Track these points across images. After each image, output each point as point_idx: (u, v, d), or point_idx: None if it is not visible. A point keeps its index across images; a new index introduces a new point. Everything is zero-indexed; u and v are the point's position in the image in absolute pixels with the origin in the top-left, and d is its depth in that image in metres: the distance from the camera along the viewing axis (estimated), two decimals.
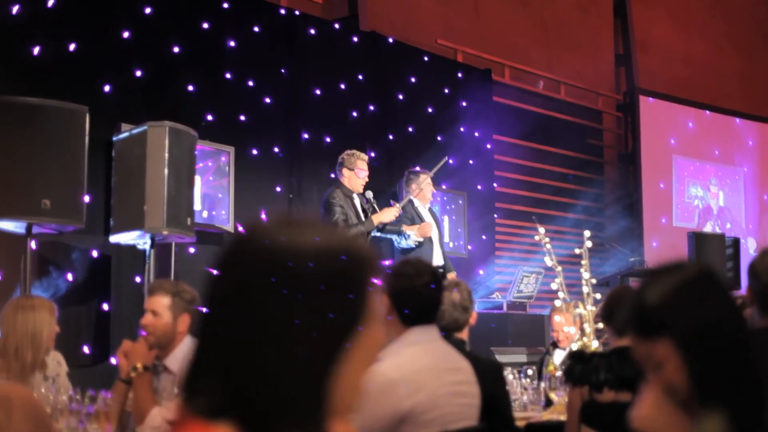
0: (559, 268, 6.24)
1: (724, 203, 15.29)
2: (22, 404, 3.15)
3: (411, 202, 8.77)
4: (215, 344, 1.30)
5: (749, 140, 15.70)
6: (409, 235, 8.40)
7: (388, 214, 8.12)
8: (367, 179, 8.25)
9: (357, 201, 8.13)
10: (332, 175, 9.16)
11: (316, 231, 1.32)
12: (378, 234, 8.40)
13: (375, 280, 1.35)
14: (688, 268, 1.74)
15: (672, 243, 13.71)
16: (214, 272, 1.34)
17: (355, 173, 8.13)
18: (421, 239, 8.40)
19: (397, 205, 8.31)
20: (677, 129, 14.55)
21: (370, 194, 8.27)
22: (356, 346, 1.33)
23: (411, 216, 8.65)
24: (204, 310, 1.34)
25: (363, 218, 8.04)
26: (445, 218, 10.08)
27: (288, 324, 1.26)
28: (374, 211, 8.15)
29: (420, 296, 3.43)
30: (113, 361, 6.61)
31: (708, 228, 14.86)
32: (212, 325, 1.32)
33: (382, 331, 1.38)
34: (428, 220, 8.73)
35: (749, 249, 14.41)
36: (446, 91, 11.17)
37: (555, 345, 6.68)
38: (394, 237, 8.56)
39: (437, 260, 8.59)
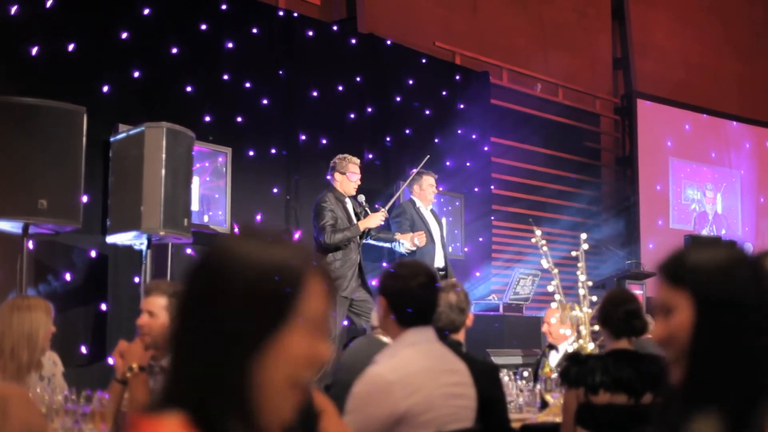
0: (556, 271, 6.25)
1: (721, 209, 15.29)
2: (19, 405, 3.15)
3: (413, 203, 8.75)
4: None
5: (746, 143, 15.71)
6: (402, 243, 8.36)
7: (374, 220, 8.08)
8: (359, 182, 8.22)
9: (349, 205, 8.11)
10: (328, 177, 9.18)
11: (259, 246, 1.49)
12: (371, 242, 8.38)
13: (310, 292, 1.48)
14: (741, 250, 1.83)
15: (669, 245, 13.71)
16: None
17: (347, 177, 8.10)
18: (414, 248, 8.34)
19: (383, 209, 8.26)
20: (674, 131, 14.57)
21: (362, 198, 8.25)
22: (275, 351, 1.44)
23: (411, 218, 8.62)
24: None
25: (355, 222, 8.01)
26: (443, 220, 10.09)
27: (213, 327, 1.43)
28: (366, 215, 8.13)
29: (416, 297, 3.43)
30: (110, 361, 6.61)
31: (704, 233, 14.88)
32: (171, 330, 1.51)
33: (312, 342, 1.48)
34: (430, 221, 8.71)
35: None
36: (444, 93, 11.18)
37: (551, 347, 6.68)
38: (388, 245, 8.55)
39: (439, 262, 8.57)
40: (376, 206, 8.36)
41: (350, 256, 7.88)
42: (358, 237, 7.99)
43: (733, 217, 15.53)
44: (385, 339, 5.41)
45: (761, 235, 15.74)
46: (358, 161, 8.22)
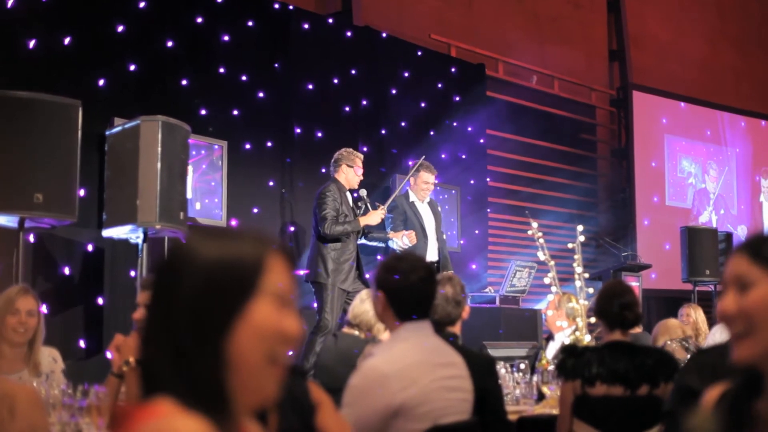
0: (552, 263, 6.25)
1: (721, 189, 15.27)
2: (26, 403, 3.16)
3: (407, 197, 8.74)
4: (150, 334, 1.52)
5: (741, 121, 15.72)
6: (395, 241, 8.36)
7: (375, 217, 8.07)
8: (362, 177, 8.26)
9: (350, 198, 8.12)
10: (323, 170, 9.18)
11: (219, 235, 1.56)
12: (364, 241, 8.38)
13: (271, 268, 1.53)
14: None
15: (664, 222, 13.75)
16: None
17: (354, 170, 8.11)
18: (405, 246, 8.33)
19: (382, 207, 8.25)
20: (669, 110, 14.56)
21: (364, 192, 8.26)
22: (244, 328, 1.48)
23: (404, 213, 8.61)
24: None
25: (355, 216, 8.02)
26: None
27: (181, 313, 1.48)
28: (367, 210, 8.14)
29: (414, 291, 3.43)
30: (107, 355, 6.60)
31: (705, 216, 14.88)
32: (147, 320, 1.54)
33: (279, 316, 1.52)
34: (424, 215, 8.69)
35: (741, 238, 14.42)
36: (439, 85, 11.18)
37: (549, 339, 6.68)
38: (382, 244, 8.56)
39: (432, 256, 8.56)
40: (376, 204, 8.36)
41: (348, 247, 7.89)
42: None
43: (728, 195, 15.53)
44: (356, 333, 5.42)
45: (755, 215, 15.76)
46: (362, 156, 8.25)
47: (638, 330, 6.86)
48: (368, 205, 8.19)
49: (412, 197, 8.76)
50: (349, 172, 8.10)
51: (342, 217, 7.85)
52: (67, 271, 7.40)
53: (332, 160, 8.20)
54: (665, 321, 6.89)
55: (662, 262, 12.17)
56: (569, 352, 4.42)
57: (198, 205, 8.30)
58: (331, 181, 8.05)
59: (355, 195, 8.24)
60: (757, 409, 1.79)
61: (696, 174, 14.95)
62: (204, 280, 1.48)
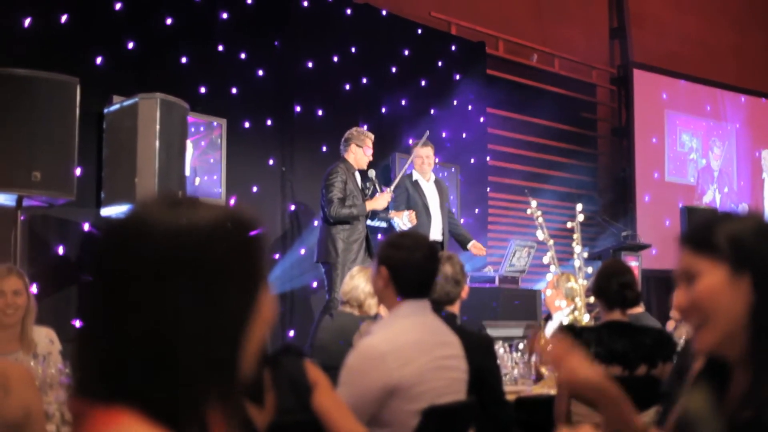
0: (551, 242, 6.25)
1: (722, 165, 15.22)
2: (20, 382, 3.15)
3: (410, 176, 8.72)
4: (113, 326, 1.29)
5: (741, 97, 15.67)
6: (396, 221, 8.35)
7: (382, 201, 8.08)
8: (371, 158, 8.26)
9: (359, 178, 8.12)
10: (324, 148, 9.17)
11: (202, 209, 1.34)
12: (368, 222, 8.37)
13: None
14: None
15: (665, 198, 13.73)
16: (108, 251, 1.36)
17: (363, 150, 8.13)
18: (406, 227, 8.31)
19: (388, 190, 8.25)
20: (669, 86, 14.51)
21: (373, 173, 8.26)
22: (257, 316, 1.34)
23: (406, 191, 8.59)
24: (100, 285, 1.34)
25: (363, 197, 8.02)
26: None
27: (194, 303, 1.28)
28: (375, 191, 8.14)
29: (417, 269, 3.43)
30: None
31: (709, 195, 14.86)
32: (108, 304, 1.31)
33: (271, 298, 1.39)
34: (428, 194, 8.66)
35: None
36: (440, 64, 11.14)
37: (548, 318, 6.68)
38: (384, 224, 8.56)
39: (435, 235, 8.54)
40: (383, 188, 8.36)
41: (357, 227, 7.91)
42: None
43: (728, 171, 15.50)
44: (350, 311, 5.42)
45: (757, 192, 15.73)
46: (372, 137, 8.24)
47: (639, 310, 6.86)
48: (377, 186, 8.19)
49: (416, 176, 8.74)
50: (359, 152, 8.11)
51: (350, 198, 7.84)
52: (64, 249, 7.38)
53: (342, 139, 8.22)
54: None
55: (663, 239, 12.14)
56: (567, 331, 4.42)
57: (197, 182, 8.28)
58: (340, 161, 8.05)
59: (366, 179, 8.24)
60: (727, 395, 1.80)
61: (697, 149, 14.88)
62: (236, 267, 1.32)
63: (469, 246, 8.86)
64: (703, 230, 1.86)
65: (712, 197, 14.94)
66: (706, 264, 1.81)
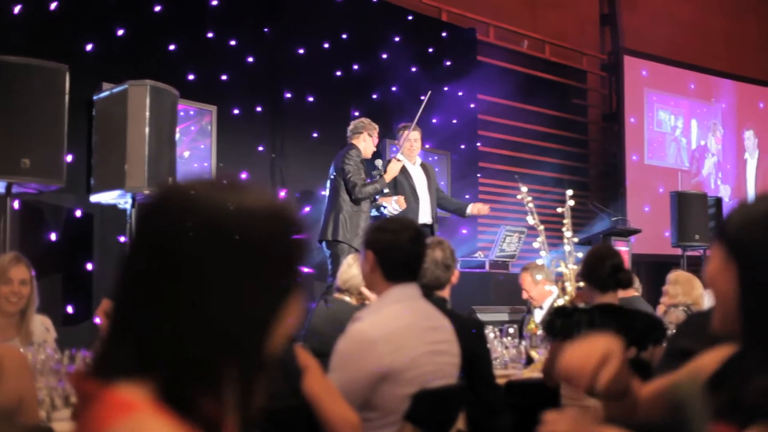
0: (541, 227, 6.27)
1: (695, 144, 15.19)
2: (12, 366, 3.14)
3: (393, 158, 8.73)
4: (137, 304, 1.29)
5: (730, 81, 15.70)
6: (385, 206, 8.36)
7: (395, 168, 8.26)
8: (376, 149, 8.38)
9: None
10: (314, 135, 9.18)
11: (253, 195, 1.34)
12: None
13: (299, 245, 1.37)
14: None
15: (643, 181, 13.76)
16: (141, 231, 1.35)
17: (372, 141, 8.27)
18: (395, 212, 8.32)
19: (395, 158, 8.35)
20: (651, 65, 14.51)
21: (379, 162, 8.30)
22: (288, 306, 1.34)
23: (394, 177, 8.60)
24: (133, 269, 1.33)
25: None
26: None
27: (233, 285, 1.28)
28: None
29: (404, 252, 3.42)
30: (96, 320, 6.60)
31: (711, 181, 14.90)
32: (138, 286, 1.31)
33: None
34: (416, 177, 8.67)
35: (725, 197, 14.38)
36: (430, 50, 11.13)
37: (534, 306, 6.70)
38: (374, 211, 8.58)
39: (424, 218, 8.54)
40: (391, 156, 8.44)
41: (362, 208, 7.98)
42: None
43: (716, 152, 15.51)
44: (348, 299, 5.43)
45: (740, 176, 15.74)
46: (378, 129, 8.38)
47: (633, 293, 6.89)
48: (383, 174, 8.22)
49: (403, 159, 8.75)
50: (369, 141, 8.25)
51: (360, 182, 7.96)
52: (55, 236, 7.38)
53: (351, 126, 8.30)
54: (689, 276, 6.83)
55: (641, 224, 12.15)
56: (558, 312, 4.43)
57: (187, 170, 8.27)
58: (351, 146, 8.11)
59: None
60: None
61: (676, 126, 14.83)
62: (282, 251, 1.33)
63: (468, 211, 8.87)
64: (722, 217, 1.92)
65: (706, 174, 14.96)
66: (716, 248, 1.84)
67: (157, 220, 1.32)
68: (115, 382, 1.25)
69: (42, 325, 4.98)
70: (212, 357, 1.26)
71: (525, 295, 6.64)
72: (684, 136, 14.92)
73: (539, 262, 6.40)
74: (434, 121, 10.68)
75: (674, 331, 4.34)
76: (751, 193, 15.19)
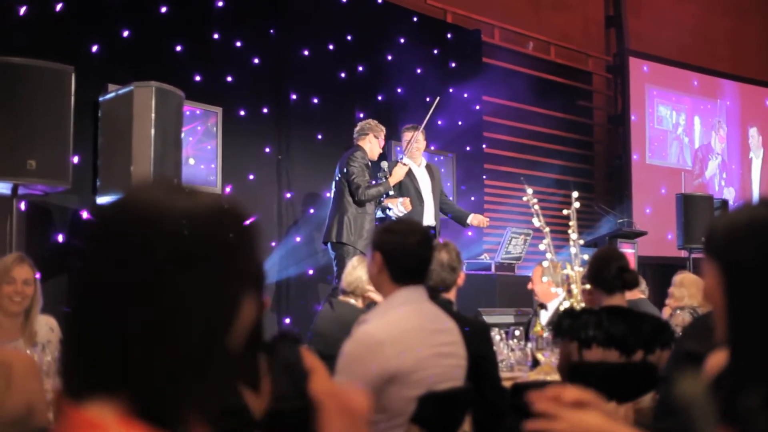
0: (547, 229, 6.25)
1: (698, 143, 15.13)
2: (22, 372, 3.14)
3: (399, 162, 8.72)
4: (99, 319, 1.22)
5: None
6: (391, 208, 8.35)
7: (400, 172, 8.21)
8: (382, 151, 8.40)
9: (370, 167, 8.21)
10: (319, 136, 9.19)
11: (198, 196, 1.29)
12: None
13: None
14: (760, 210, 1.79)
15: (646, 181, 13.73)
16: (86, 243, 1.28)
17: (378, 142, 8.29)
18: (401, 214, 8.32)
19: (401, 161, 8.34)
20: (654, 64, 14.48)
21: (385, 164, 8.30)
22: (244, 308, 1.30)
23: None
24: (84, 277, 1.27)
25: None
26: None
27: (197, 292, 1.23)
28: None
29: (412, 255, 3.41)
30: None
31: (715, 182, 14.86)
32: (95, 296, 1.24)
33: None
34: (420, 179, 8.65)
35: (729, 199, 14.34)
36: (435, 51, 11.13)
37: (542, 306, 6.68)
38: (379, 212, 8.58)
39: (428, 220, 8.54)
40: (397, 159, 8.44)
41: (367, 210, 7.99)
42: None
43: (720, 151, 15.47)
44: (353, 302, 5.42)
45: (744, 175, 15.69)
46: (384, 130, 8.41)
47: (640, 296, 6.88)
48: (387, 177, 8.21)
49: (407, 161, 8.73)
50: (375, 143, 8.28)
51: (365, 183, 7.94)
52: (60, 238, 7.38)
53: (357, 128, 8.32)
54: (695, 279, 6.81)
55: (643, 225, 12.13)
56: (567, 313, 4.43)
57: (193, 172, 8.26)
58: (357, 148, 8.10)
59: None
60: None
61: (679, 125, 14.78)
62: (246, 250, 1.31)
63: (469, 220, 8.87)
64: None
65: (711, 174, 14.92)
66: (707, 263, 1.82)
67: (109, 232, 1.26)
68: (82, 400, 1.19)
69: (47, 326, 4.98)
70: (180, 367, 1.21)
71: (530, 286, 6.63)
72: (686, 135, 14.87)
73: (553, 265, 6.37)
74: (440, 122, 10.67)
75: (680, 333, 4.34)
76: (756, 195, 15.14)
